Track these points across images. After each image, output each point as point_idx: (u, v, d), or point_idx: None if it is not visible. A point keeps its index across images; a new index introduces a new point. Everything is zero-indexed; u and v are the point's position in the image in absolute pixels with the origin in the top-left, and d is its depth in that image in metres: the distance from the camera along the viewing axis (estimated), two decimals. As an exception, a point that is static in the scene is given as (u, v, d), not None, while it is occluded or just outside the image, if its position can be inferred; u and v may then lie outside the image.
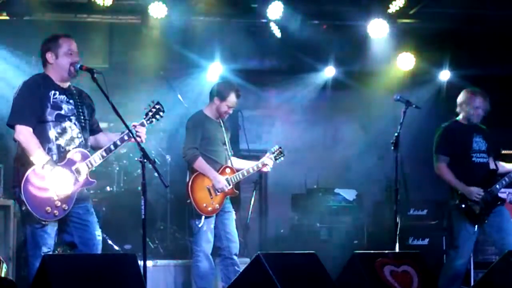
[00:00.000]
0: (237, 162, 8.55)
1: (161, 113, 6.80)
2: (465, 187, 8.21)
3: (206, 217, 8.09)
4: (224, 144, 8.38)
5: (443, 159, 8.36)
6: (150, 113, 6.75)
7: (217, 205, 8.15)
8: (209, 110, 8.40)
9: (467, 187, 8.20)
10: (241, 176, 8.35)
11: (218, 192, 8.14)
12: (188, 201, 8.09)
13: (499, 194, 8.37)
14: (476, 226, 8.21)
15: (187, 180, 8.18)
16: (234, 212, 8.42)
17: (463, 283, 8.56)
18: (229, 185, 8.22)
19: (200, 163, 8.11)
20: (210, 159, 8.20)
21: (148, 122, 6.73)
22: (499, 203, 8.31)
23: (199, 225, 8.08)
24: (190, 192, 8.07)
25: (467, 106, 8.45)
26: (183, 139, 8.36)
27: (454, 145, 8.37)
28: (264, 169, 8.51)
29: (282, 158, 8.59)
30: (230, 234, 8.28)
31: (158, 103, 6.81)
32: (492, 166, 8.44)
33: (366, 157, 11.71)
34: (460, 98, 8.54)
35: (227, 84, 8.62)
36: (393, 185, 7.76)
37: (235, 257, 8.24)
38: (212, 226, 8.19)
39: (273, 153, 8.51)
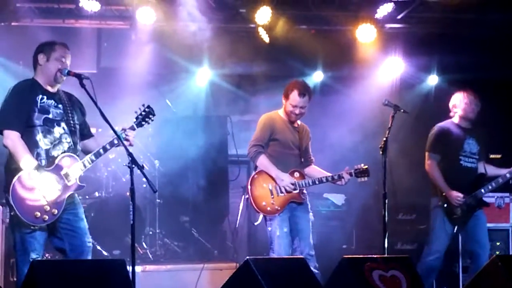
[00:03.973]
0: (313, 171, 8.20)
1: (151, 116, 6.80)
2: (448, 189, 8.32)
3: (270, 218, 7.84)
4: (297, 148, 8.12)
5: (434, 157, 8.48)
6: (140, 117, 6.76)
7: (277, 207, 7.84)
8: (281, 110, 8.20)
9: (450, 191, 8.32)
10: (310, 183, 7.98)
11: (281, 192, 7.87)
12: (246, 196, 7.89)
13: (485, 198, 8.44)
14: (456, 227, 8.33)
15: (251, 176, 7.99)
16: (311, 213, 8.15)
17: None
18: (296, 188, 7.91)
19: (263, 160, 7.88)
20: (277, 161, 7.95)
21: (138, 125, 6.73)
22: (486, 205, 8.41)
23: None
24: (249, 188, 7.83)
25: (462, 103, 8.56)
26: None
27: (446, 145, 8.48)
28: (338, 182, 8.07)
29: (364, 179, 8.07)
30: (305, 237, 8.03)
31: (148, 107, 6.80)
32: (481, 170, 8.48)
33: (355, 161, 11.69)
34: (453, 100, 8.66)
35: (293, 81, 8.17)
36: (382, 189, 7.75)
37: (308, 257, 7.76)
38: (286, 229, 7.89)
39: (355, 170, 8.03)
